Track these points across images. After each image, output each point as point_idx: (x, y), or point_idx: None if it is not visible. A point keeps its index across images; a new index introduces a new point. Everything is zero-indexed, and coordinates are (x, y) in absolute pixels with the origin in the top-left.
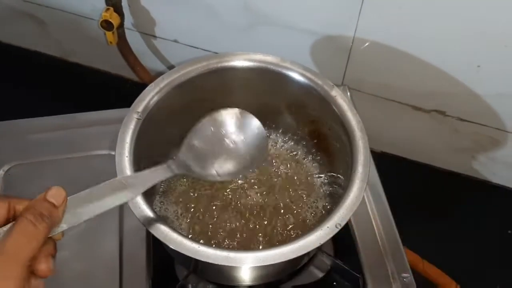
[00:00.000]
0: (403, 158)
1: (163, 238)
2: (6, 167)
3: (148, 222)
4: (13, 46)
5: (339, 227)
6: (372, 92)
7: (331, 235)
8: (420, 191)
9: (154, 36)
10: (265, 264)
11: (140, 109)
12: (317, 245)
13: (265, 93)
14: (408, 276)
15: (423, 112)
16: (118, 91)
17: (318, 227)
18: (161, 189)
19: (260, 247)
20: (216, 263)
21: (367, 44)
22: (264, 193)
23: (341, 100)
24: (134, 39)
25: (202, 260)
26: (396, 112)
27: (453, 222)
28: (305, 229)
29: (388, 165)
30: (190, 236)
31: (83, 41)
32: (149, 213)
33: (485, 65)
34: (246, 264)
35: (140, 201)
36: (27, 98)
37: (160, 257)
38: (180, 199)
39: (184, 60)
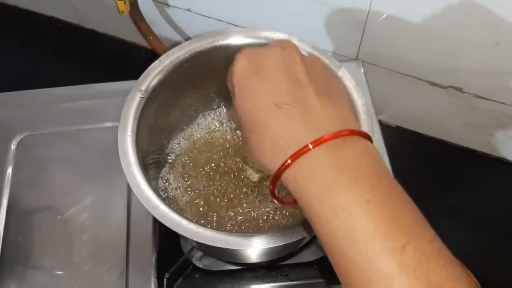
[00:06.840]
0: (418, 133)
1: (173, 227)
2: (18, 138)
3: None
4: (33, 12)
5: None
6: (387, 67)
7: None
8: (434, 167)
9: (167, 5)
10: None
11: (143, 87)
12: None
13: None
14: None
15: (439, 88)
16: (134, 59)
17: None
18: (167, 163)
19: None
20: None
21: (383, 16)
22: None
23: (347, 81)
24: (147, 6)
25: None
26: (412, 87)
27: (467, 200)
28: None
29: (403, 140)
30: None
31: (99, 8)
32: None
33: (504, 41)
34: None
35: (141, 181)
36: (44, 65)
37: (166, 230)
38: (185, 174)
39: (198, 30)
